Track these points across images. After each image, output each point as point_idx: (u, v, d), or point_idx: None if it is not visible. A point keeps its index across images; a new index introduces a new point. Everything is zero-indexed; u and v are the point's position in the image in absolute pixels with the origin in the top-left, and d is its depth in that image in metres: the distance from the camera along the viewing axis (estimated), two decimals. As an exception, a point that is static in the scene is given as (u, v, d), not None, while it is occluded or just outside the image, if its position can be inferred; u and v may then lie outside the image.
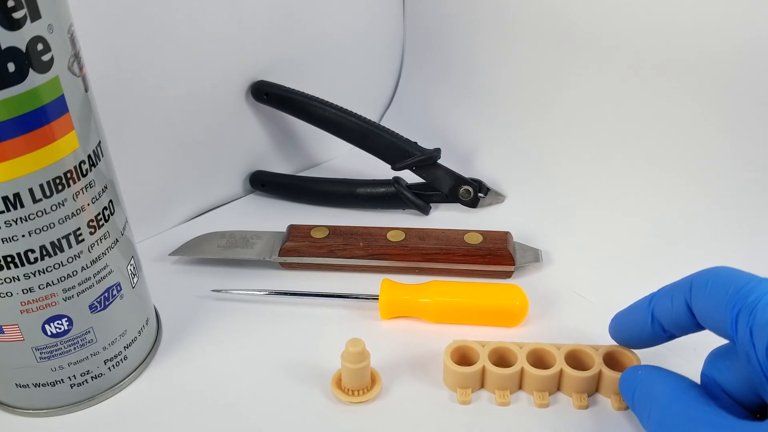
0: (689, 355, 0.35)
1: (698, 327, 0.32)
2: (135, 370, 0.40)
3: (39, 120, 0.30)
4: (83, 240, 0.34)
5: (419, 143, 0.53)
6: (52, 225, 0.32)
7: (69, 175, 0.32)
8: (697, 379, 0.32)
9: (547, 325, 0.43)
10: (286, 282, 0.47)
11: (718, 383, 0.32)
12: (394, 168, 0.53)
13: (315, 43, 0.57)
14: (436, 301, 0.42)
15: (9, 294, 0.33)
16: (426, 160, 0.53)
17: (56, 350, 0.35)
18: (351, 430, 0.37)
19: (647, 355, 0.37)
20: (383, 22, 0.63)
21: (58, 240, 0.33)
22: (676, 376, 0.31)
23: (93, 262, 0.35)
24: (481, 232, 0.47)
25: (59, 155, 0.31)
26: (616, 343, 0.38)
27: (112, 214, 0.36)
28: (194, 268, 0.49)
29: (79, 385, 0.37)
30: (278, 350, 0.41)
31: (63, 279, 0.34)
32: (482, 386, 0.39)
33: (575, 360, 0.38)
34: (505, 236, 0.47)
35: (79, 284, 0.34)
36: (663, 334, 0.34)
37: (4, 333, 0.34)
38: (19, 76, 0.29)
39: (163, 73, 0.48)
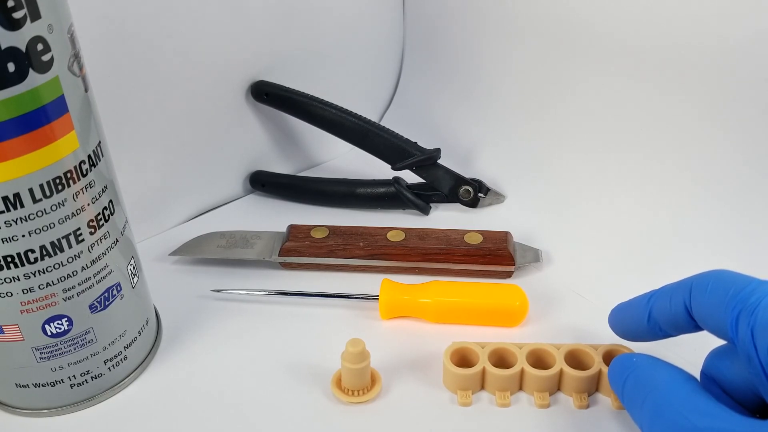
0: (689, 354, 0.35)
1: (695, 328, 0.32)
2: (135, 370, 0.40)
3: (39, 120, 0.30)
4: (83, 240, 0.34)
5: (419, 143, 0.53)
6: (52, 225, 0.32)
7: (69, 175, 0.32)
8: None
9: (547, 325, 0.43)
10: (286, 282, 0.47)
11: (717, 383, 0.32)
12: (394, 168, 0.53)
13: (315, 43, 0.57)
14: (436, 301, 0.42)
15: (9, 294, 0.33)
16: (426, 160, 0.53)
17: (56, 350, 0.35)
18: (351, 430, 0.37)
19: (644, 350, 0.37)
20: (383, 22, 0.63)
21: (58, 240, 0.33)
22: (676, 367, 0.31)
23: (93, 262, 0.35)
24: (481, 232, 0.47)
25: (59, 155, 0.31)
26: (615, 342, 0.38)
27: (112, 214, 0.36)
28: (194, 268, 0.49)
29: (79, 385, 0.37)
30: (278, 350, 0.41)
31: (63, 279, 0.34)
32: (482, 388, 0.39)
33: (575, 360, 0.38)
34: (505, 236, 0.47)
35: (79, 284, 0.34)
36: (659, 332, 0.34)
37: (4, 333, 0.34)
38: (19, 76, 0.29)
39: (163, 73, 0.48)
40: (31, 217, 0.31)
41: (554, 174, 0.54)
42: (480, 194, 0.54)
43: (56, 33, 0.30)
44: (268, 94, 0.54)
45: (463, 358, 0.39)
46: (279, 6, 0.53)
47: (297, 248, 0.47)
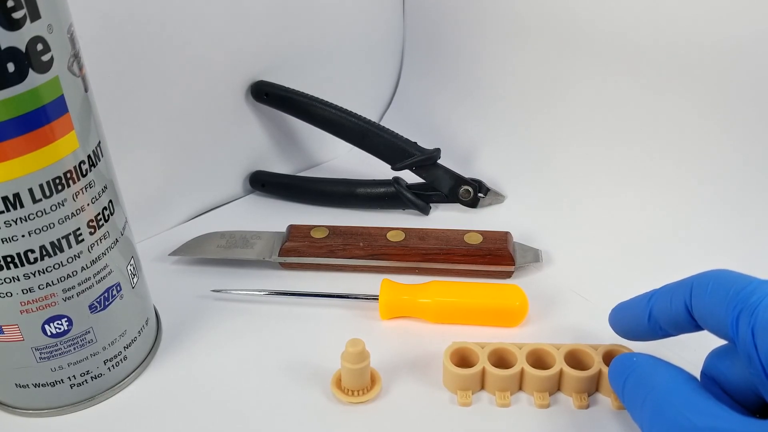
0: (689, 354, 0.35)
1: (695, 328, 0.32)
2: (135, 370, 0.40)
3: (39, 120, 0.30)
4: (83, 240, 0.34)
5: (419, 143, 0.53)
6: (51, 225, 0.32)
7: (69, 175, 0.32)
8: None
9: (547, 325, 0.43)
10: (286, 282, 0.47)
11: (717, 383, 0.32)
12: (394, 168, 0.53)
13: (315, 43, 0.57)
14: (436, 301, 0.42)
15: (9, 294, 0.33)
16: (426, 160, 0.53)
17: (56, 350, 0.35)
18: (351, 430, 0.37)
19: (644, 351, 0.37)
20: (383, 22, 0.63)
21: (58, 240, 0.33)
22: (676, 367, 0.31)
23: (93, 262, 0.35)
24: (481, 232, 0.47)
25: (59, 155, 0.31)
26: (615, 343, 0.38)
27: (111, 214, 0.36)
28: (194, 268, 0.49)
29: (79, 385, 0.37)
30: (278, 350, 0.41)
31: (63, 279, 0.34)
32: (482, 388, 0.38)
33: (575, 360, 0.38)
34: (505, 236, 0.47)
35: (79, 284, 0.34)
36: (660, 331, 0.34)
37: (4, 333, 0.34)
38: (19, 76, 0.29)
39: (163, 73, 0.48)
40: (31, 217, 0.31)
41: (554, 174, 0.54)
42: (480, 194, 0.54)
43: (56, 33, 0.30)
44: (268, 94, 0.54)
45: (463, 358, 0.39)
46: (279, 6, 0.53)
47: (297, 248, 0.47)
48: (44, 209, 0.32)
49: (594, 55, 0.51)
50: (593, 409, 0.37)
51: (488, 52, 0.58)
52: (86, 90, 0.33)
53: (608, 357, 0.38)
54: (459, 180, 0.53)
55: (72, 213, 0.33)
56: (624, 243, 0.49)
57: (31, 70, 0.29)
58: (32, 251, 0.32)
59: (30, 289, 0.33)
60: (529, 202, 0.54)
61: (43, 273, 0.33)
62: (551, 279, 0.47)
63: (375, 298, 0.43)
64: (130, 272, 0.38)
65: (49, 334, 0.35)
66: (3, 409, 0.38)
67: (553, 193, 0.54)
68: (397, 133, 0.53)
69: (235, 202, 0.57)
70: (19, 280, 0.33)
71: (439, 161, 0.53)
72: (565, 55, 0.53)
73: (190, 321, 0.44)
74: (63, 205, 0.32)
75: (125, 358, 0.39)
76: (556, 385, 0.38)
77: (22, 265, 0.32)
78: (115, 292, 0.37)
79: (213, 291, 0.46)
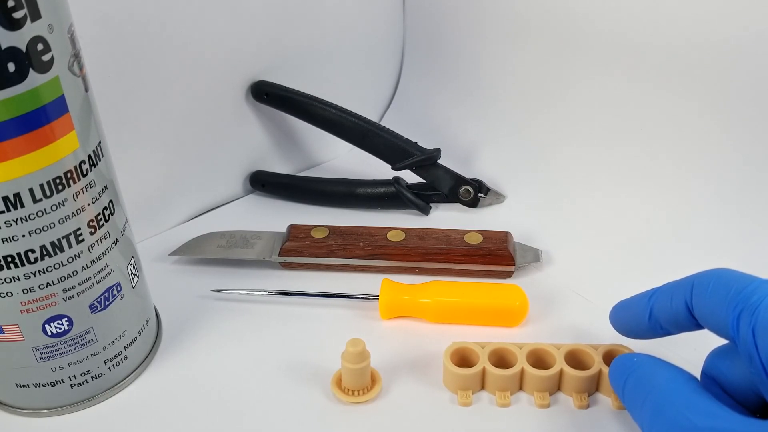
0: (689, 354, 0.35)
1: (696, 327, 0.32)
2: (135, 370, 0.40)
3: (39, 120, 0.30)
4: (83, 240, 0.34)
5: (419, 143, 0.53)
6: (52, 225, 0.32)
7: (69, 175, 0.32)
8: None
9: (547, 325, 0.43)
10: (286, 282, 0.47)
11: (718, 382, 0.32)
12: (394, 168, 0.53)
13: (315, 43, 0.57)
14: (436, 301, 0.42)
15: (9, 294, 0.33)
16: (426, 160, 0.53)
17: (56, 350, 0.35)
18: (351, 430, 0.37)
19: (645, 350, 0.37)
20: (383, 22, 0.63)
21: (58, 240, 0.33)
22: (677, 367, 0.31)
23: (93, 262, 0.35)
24: (481, 232, 0.47)
25: (59, 155, 0.31)
26: (615, 343, 0.38)
27: (112, 214, 0.36)
28: (194, 268, 0.49)
29: (79, 385, 0.37)
30: (278, 350, 0.41)
31: (63, 279, 0.34)
32: (482, 387, 0.38)
33: (575, 360, 0.38)
34: (505, 236, 0.47)
35: (79, 284, 0.34)
36: (660, 330, 0.34)
37: (4, 333, 0.34)
38: (20, 76, 0.29)
39: (163, 73, 0.48)
40: (31, 217, 0.31)
41: (554, 174, 0.54)
42: (480, 194, 0.54)
43: (56, 33, 0.30)
44: (268, 94, 0.54)
45: (463, 358, 0.39)
46: (279, 6, 0.53)
47: (297, 248, 0.47)
48: (44, 209, 0.32)
49: (594, 55, 0.51)
50: (593, 409, 0.37)
51: (488, 52, 0.58)
52: (86, 90, 0.33)
53: (608, 357, 0.38)
54: (459, 180, 0.53)
55: (72, 213, 0.33)
56: (624, 243, 0.49)
57: (31, 70, 0.29)
58: (32, 251, 0.32)
59: (30, 289, 0.33)
60: (529, 202, 0.54)
61: (44, 273, 0.33)
62: (551, 279, 0.47)
63: (375, 298, 0.43)
64: (130, 272, 0.38)
65: (49, 333, 0.35)
66: (3, 409, 0.38)
67: (553, 193, 0.54)
68: (397, 133, 0.53)
69: (235, 202, 0.57)
70: (19, 279, 0.33)
71: (439, 161, 0.53)
72: (565, 55, 0.53)
73: (190, 321, 0.44)
74: (63, 205, 0.32)
75: (125, 357, 0.39)
76: (557, 385, 0.38)
77: (23, 265, 0.32)
78: (115, 292, 0.37)
79: (213, 291, 0.46)
